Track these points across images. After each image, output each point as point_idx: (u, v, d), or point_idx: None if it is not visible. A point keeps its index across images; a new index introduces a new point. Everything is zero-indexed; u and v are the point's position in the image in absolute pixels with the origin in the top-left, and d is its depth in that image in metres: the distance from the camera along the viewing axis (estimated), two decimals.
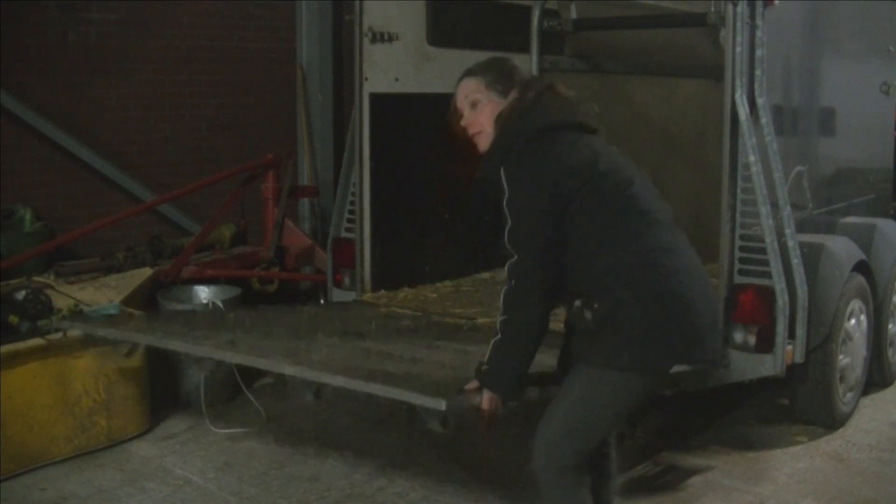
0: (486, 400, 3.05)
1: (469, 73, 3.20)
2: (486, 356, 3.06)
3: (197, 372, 4.75)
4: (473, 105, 3.12)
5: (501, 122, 3.07)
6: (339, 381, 3.55)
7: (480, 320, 4.87)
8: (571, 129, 3.06)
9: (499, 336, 3.01)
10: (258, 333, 4.33)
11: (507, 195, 2.94)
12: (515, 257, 2.95)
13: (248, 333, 4.30)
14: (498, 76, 3.13)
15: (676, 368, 3.09)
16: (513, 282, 2.96)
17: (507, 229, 2.95)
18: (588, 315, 2.98)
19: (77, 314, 4.64)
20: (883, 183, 6.32)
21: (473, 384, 3.10)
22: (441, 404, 3.08)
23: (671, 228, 3.08)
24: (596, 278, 2.98)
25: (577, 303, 3.00)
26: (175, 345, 4.04)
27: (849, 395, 5.06)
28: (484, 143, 3.11)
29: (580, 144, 3.03)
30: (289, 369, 3.70)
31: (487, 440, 3.98)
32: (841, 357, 4.89)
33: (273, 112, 7.98)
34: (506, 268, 2.98)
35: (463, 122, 3.15)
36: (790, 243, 4.34)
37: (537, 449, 3.07)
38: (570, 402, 3.05)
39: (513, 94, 3.11)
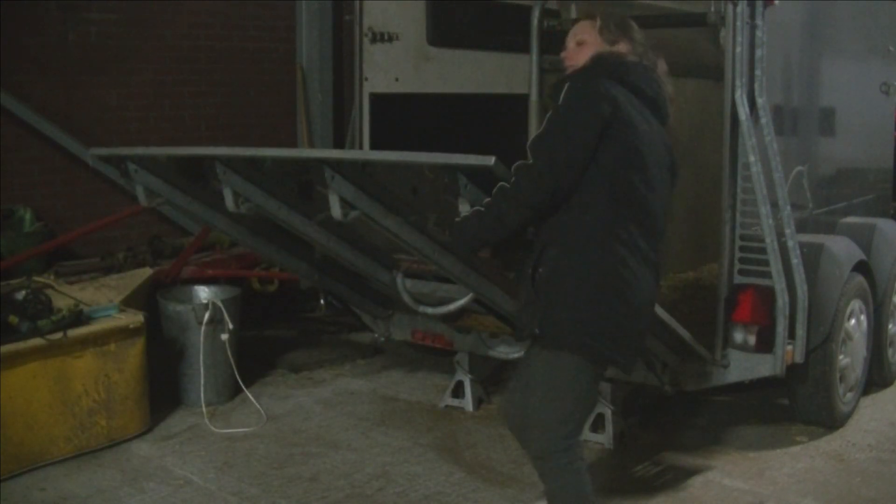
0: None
1: (588, 16, 3.34)
2: (464, 216, 3.15)
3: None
4: (579, 44, 3.26)
5: (596, 57, 3.19)
6: (373, 155, 3.57)
7: None
8: (645, 104, 3.16)
9: (480, 210, 3.08)
10: None
11: (556, 104, 3.04)
12: (531, 161, 3.01)
13: None
14: (613, 27, 3.25)
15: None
16: (514, 179, 3.02)
17: (536, 135, 3.04)
18: (532, 280, 3.13)
19: (78, 313, 4.63)
20: (883, 183, 6.31)
21: None
22: (490, 160, 3.08)
23: (652, 237, 3.16)
24: (559, 239, 3.08)
25: (529, 269, 3.15)
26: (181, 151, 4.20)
27: (849, 395, 5.06)
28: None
29: (640, 110, 3.12)
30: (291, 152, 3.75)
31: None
32: (841, 357, 4.89)
33: (273, 112, 7.97)
34: (513, 167, 3.03)
35: (563, 54, 3.31)
36: (790, 243, 4.34)
37: (529, 440, 3.25)
38: (529, 391, 3.22)
39: (621, 47, 3.22)
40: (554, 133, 3.01)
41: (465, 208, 3.16)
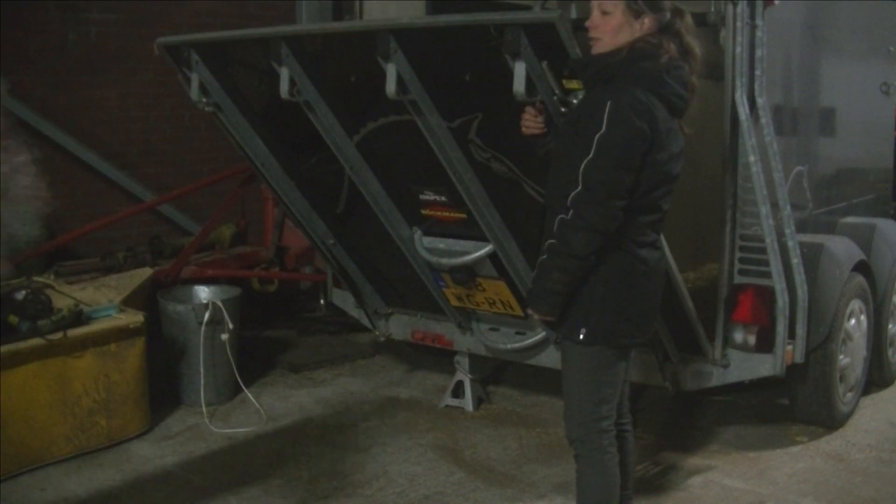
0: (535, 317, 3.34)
1: None
2: (532, 276, 3.24)
3: None
4: (604, 13, 3.19)
5: (631, 54, 3.13)
6: (440, 19, 3.71)
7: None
8: (671, 111, 3.18)
9: (545, 256, 3.14)
10: None
11: (602, 130, 3.01)
12: (580, 188, 3.03)
13: None
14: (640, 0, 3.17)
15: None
16: (571, 213, 3.05)
17: (587, 160, 3.02)
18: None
19: (78, 313, 4.63)
20: (883, 183, 6.31)
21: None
22: (555, 14, 3.22)
23: (661, 228, 3.33)
24: None
25: None
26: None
27: (849, 395, 5.06)
28: (597, 49, 3.21)
29: (671, 126, 3.19)
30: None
31: None
32: (841, 357, 4.89)
33: None
34: (569, 198, 3.05)
35: (588, 22, 3.24)
36: (790, 243, 4.34)
37: (565, 423, 3.40)
38: (567, 381, 3.35)
39: (646, 21, 3.15)
40: (606, 157, 3.02)
41: (520, 70, 3.25)
